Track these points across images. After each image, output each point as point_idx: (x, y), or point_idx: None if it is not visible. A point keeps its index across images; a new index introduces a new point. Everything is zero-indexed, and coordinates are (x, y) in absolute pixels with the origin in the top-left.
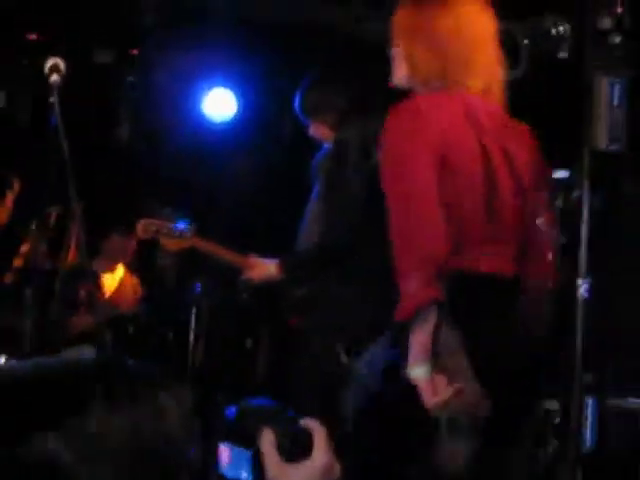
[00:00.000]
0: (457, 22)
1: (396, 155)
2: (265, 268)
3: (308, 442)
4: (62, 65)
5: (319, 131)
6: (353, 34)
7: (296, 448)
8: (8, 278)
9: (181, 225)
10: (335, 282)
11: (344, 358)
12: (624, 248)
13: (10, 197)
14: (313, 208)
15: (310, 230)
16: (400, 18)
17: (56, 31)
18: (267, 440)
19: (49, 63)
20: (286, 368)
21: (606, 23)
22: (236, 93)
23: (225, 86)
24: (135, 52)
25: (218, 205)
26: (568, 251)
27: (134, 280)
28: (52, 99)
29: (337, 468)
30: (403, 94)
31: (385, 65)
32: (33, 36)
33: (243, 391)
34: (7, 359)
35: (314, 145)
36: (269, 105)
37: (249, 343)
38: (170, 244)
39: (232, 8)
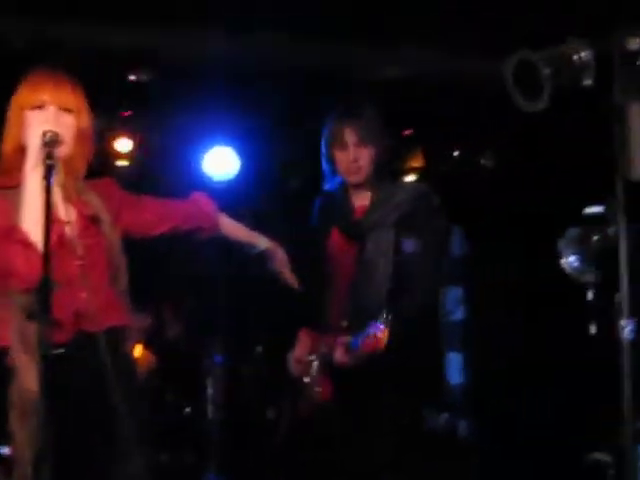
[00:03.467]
0: None
1: None
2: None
3: None
4: None
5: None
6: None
7: None
8: None
9: None
10: None
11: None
12: None
13: None
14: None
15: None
16: None
17: None
18: None
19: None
20: None
21: (634, 44)
22: (238, 151)
23: (226, 144)
24: (127, 112)
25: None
26: (607, 291)
27: (149, 354)
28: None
29: None
30: None
31: None
32: None
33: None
34: None
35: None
36: (273, 162)
37: (270, 413)
38: None
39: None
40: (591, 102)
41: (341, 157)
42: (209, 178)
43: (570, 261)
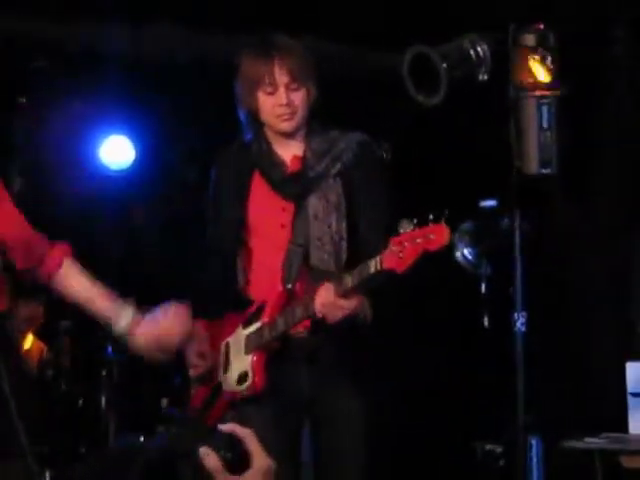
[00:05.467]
0: None
1: None
2: None
3: (245, 450)
4: None
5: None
6: None
7: (238, 459)
8: None
9: None
10: None
11: None
12: (557, 277)
13: None
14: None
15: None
16: None
17: None
18: (211, 458)
19: None
20: None
21: (529, 40)
22: (133, 140)
23: (122, 133)
24: (23, 100)
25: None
26: (499, 284)
27: (40, 344)
28: None
29: (273, 466)
30: None
31: None
32: None
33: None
34: None
35: None
36: (170, 151)
37: (164, 403)
38: None
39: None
40: (486, 96)
41: (269, 101)
42: (106, 167)
43: (464, 254)
